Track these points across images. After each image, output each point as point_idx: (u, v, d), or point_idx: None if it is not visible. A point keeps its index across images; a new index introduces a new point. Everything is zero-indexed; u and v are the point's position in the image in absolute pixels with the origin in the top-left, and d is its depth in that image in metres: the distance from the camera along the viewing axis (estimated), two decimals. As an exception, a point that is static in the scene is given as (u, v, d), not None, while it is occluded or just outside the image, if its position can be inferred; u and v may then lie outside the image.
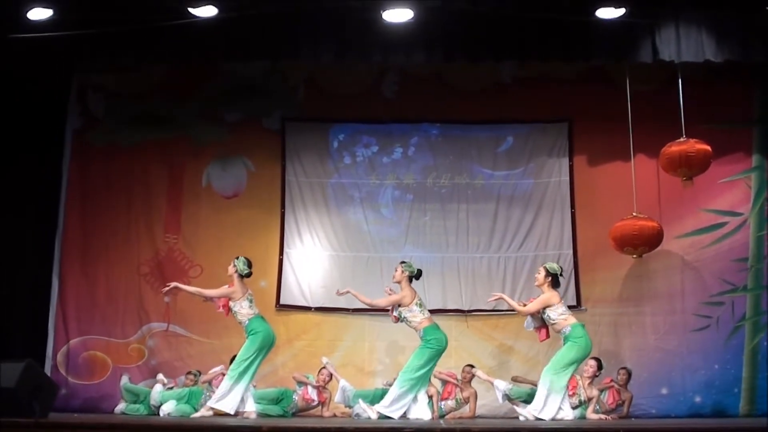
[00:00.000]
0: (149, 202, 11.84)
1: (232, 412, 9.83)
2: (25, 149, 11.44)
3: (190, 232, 11.81)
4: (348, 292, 10.31)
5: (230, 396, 9.82)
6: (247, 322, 9.99)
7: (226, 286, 10.10)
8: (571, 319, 9.95)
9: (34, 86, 11.22)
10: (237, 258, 10.15)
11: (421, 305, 10.04)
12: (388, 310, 10.27)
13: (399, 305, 10.08)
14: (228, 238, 11.62)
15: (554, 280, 10.13)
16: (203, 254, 11.68)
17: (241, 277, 10.08)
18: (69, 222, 11.74)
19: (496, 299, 10.53)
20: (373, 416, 9.84)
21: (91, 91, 12.01)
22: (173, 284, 10.27)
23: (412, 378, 9.88)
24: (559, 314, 9.95)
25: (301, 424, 9.01)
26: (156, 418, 10.13)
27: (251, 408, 9.92)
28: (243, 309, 10.00)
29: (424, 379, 10.00)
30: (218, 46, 10.06)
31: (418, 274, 10.16)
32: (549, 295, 10.04)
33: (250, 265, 10.15)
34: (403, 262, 10.25)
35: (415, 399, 9.94)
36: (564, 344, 9.90)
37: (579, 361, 9.89)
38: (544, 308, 10.00)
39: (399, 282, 10.15)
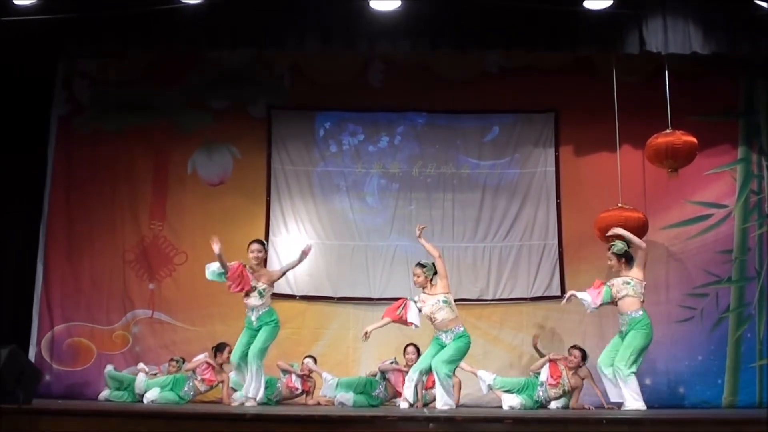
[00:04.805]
0: (134, 188, 11.79)
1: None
2: (9, 135, 11.36)
3: (176, 219, 11.78)
4: None
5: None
6: None
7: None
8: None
9: (19, 71, 11.13)
10: None
11: None
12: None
13: None
14: (213, 225, 11.51)
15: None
16: (188, 241, 11.64)
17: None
18: (54, 208, 11.68)
19: None
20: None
21: (77, 77, 11.96)
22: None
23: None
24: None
25: (285, 412, 8.99)
26: (140, 406, 10.11)
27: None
28: None
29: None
30: (204, 33, 10.03)
31: None
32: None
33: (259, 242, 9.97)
34: None
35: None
36: None
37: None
38: None
39: None
